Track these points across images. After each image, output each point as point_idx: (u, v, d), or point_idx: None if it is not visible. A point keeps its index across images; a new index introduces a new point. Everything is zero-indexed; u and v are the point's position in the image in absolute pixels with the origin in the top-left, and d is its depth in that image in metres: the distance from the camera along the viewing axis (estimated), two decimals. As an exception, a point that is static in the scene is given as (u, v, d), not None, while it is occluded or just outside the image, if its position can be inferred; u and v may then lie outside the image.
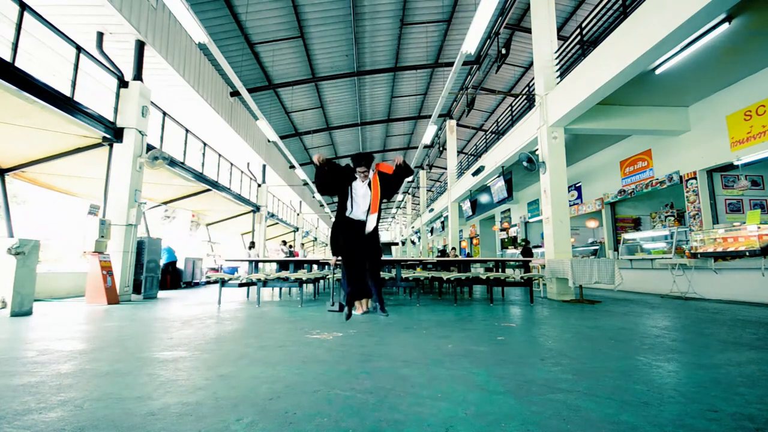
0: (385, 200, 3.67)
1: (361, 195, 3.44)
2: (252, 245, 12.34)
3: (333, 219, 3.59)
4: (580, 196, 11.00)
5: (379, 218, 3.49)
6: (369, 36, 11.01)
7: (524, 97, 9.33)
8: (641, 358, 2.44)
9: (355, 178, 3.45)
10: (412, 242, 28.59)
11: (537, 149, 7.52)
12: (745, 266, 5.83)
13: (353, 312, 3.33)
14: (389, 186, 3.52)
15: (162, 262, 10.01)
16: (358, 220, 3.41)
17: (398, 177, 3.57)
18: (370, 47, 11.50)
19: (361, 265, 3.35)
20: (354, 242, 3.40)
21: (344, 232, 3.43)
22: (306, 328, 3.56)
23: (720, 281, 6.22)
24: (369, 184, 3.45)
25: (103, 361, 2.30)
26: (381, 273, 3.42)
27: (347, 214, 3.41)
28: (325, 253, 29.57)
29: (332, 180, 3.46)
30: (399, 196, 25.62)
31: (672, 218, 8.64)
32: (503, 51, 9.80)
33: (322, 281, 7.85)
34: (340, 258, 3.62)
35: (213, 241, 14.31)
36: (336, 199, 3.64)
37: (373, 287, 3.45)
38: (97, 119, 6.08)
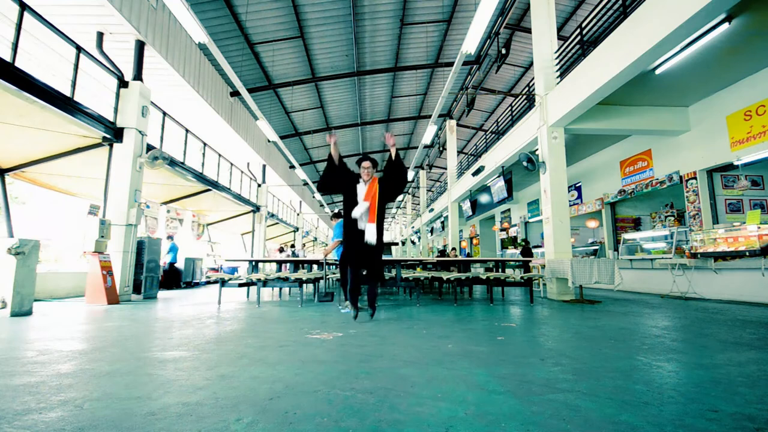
0: (388, 202, 3.93)
1: (363, 196, 3.62)
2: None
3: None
4: (580, 196, 10.99)
5: (380, 229, 3.63)
6: (369, 36, 11.00)
7: (524, 97, 9.33)
8: (641, 358, 2.43)
9: (359, 181, 3.66)
10: (412, 242, 28.56)
11: (537, 149, 7.52)
12: (745, 266, 5.83)
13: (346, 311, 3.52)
14: (388, 186, 3.69)
15: (167, 261, 9.84)
16: (360, 229, 3.59)
17: (395, 172, 3.74)
18: (370, 47, 11.50)
19: (355, 270, 3.59)
20: (354, 247, 3.58)
21: (348, 234, 3.61)
22: (306, 328, 3.56)
23: (720, 281, 6.22)
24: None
25: (103, 361, 2.29)
26: (379, 282, 3.77)
27: (352, 215, 3.61)
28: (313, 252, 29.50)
29: (341, 176, 3.69)
30: (399, 196, 25.58)
31: (672, 218, 8.64)
32: (503, 51, 9.80)
33: (321, 281, 7.83)
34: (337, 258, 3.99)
35: (213, 241, 14.31)
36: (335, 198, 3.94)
37: (368, 294, 3.81)
38: (97, 119, 6.08)
